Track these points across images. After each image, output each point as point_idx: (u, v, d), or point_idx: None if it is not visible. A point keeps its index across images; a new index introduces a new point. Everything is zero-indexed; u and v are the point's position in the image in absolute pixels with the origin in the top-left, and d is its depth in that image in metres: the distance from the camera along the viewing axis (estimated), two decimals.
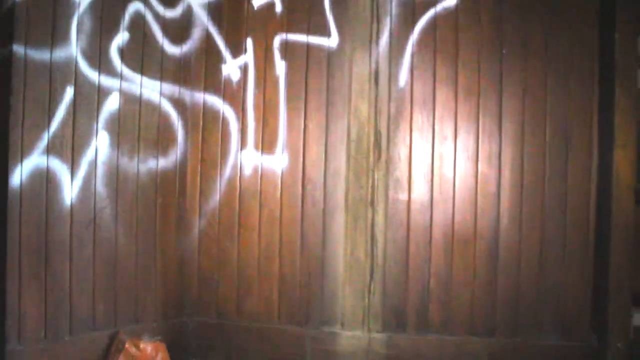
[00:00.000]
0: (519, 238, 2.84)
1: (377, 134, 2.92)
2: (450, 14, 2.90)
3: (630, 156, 2.62)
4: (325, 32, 2.96)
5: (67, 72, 2.55)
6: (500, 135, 2.87)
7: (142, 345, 2.69)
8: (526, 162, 2.85)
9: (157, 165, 2.90)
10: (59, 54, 2.52)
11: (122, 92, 2.75)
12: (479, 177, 2.87)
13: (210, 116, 3.01)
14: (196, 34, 3.01)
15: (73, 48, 2.57)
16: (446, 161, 2.89)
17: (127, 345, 2.66)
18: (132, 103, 2.80)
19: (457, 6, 2.89)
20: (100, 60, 2.67)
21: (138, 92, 2.82)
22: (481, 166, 2.87)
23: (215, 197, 2.99)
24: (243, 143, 2.99)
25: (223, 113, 3.00)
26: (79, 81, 2.60)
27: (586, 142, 2.81)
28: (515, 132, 2.86)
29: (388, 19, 2.93)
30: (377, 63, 2.93)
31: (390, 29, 2.93)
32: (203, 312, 2.99)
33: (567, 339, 2.80)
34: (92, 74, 2.64)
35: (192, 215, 3.00)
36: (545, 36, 2.84)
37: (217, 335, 2.96)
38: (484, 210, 2.86)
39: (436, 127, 2.90)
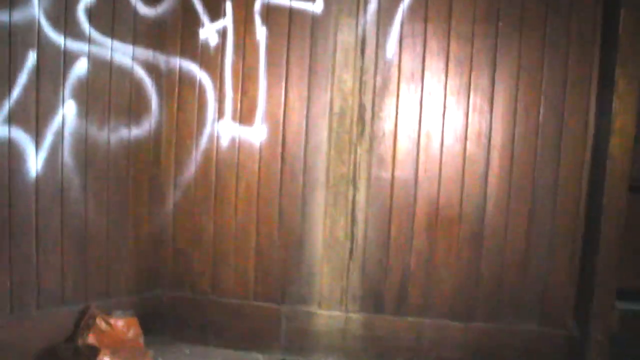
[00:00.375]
0: (505, 221, 2.72)
1: (362, 107, 2.76)
2: None
3: (626, 143, 2.45)
4: None
5: (29, 35, 2.39)
6: (491, 113, 2.70)
7: (113, 321, 2.63)
8: (517, 143, 2.70)
9: (130, 134, 2.76)
10: (19, 15, 2.35)
11: (90, 56, 2.59)
12: (466, 156, 2.73)
13: (186, 83, 2.84)
14: None
15: (35, 9, 2.39)
16: (433, 139, 2.74)
17: (97, 321, 2.59)
18: (102, 68, 2.64)
19: None
20: (66, 23, 2.50)
21: (108, 57, 2.65)
22: (469, 145, 2.72)
23: (191, 169, 2.87)
24: (220, 113, 2.83)
25: (200, 80, 2.83)
26: (42, 45, 2.43)
27: (581, 125, 2.65)
28: (507, 111, 2.69)
29: None
30: (364, 31, 2.74)
31: None
32: (177, 286, 2.91)
33: (548, 327, 2.72)
34: (56, 38, 2.47)
35: (166, 187, 2.88)
36: (545, 10, 2.62)
37: (192, 310, 2.90)
38: (471, 192, 2.73)
39: (424, 102, 2.74)
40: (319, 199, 2.80)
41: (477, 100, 2.71)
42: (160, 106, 2.84)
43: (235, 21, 2.80)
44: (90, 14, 2.56)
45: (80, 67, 2.56)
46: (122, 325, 2.66)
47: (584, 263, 2.67)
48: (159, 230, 2.89)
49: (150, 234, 2.88)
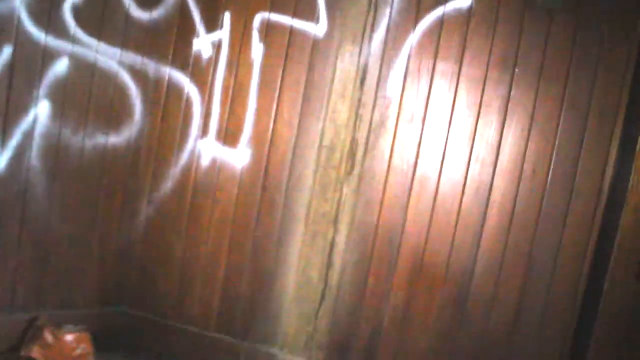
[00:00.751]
0: (495, 286, 2.46)
1: (354, 143, 2.54)
2: (460, 17, 2.44)
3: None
4: (313, 17, 2.55)
5: (6, 27, 2.26)
6: (494, 166, 2.45)
7: (61, 334, 2.49)
8: (519, 203, 2.44)
9: (107, 142, 2.61)
10: None
11: (72, 57, 2.45)
12: (461, 211, 2.48)
13: (173, 94, 2.68)
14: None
15: (16, 2, 2.26)
16: (427, 187, 2.50)
17: (44, 333, 2.46)
18: (84, 71, 2.49)
19: (471, 8, 2.43)
20: (49, 19, 2.36)
21: (92, 59, 2.50)
22: (466, 199, 2.47)
23: (167, 185, 2.70)
24: (204, 130, 2.66)
25: (188, 93, 2.66)
26: (20, 40, 2.30)
27: (594, 192, 2.37)
28: (513, 166, 2.43)
29: (388, 10, 2.49)
30: (366, 61, 2.52)
31: (389, 23, 2.50)
32: (139, 305, 2.75)
33: None
34: (37, 34, 2.34)
35: (140, 200, 2.72)
36: (569, 61, 2.36)
37: (151, 332, 2.73)
38: (460, 250, 2.49)
39: (422, 146, 2.50)
40: (296, 236, 2.60)
41: (481, 151, 2.46)
42: (144, 115, 2.68)
43: (232, 35, 2.62)
44: (77, 12, 2.42)
45: (60, 67, 2.42)
46: (72, 340, 2.51)
47: (577, 349, 2.38)
48: (127, 245, 2.74)
49: (117, 247, 2.73)
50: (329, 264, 2.57)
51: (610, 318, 2.20)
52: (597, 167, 2.35)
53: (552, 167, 2.40)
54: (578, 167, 2.38)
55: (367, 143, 2.53)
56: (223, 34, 2.62)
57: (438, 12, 2.46)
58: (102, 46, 2.52)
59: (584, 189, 2.38)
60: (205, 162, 2.66)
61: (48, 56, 2.39)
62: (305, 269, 2.59)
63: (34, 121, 2.40)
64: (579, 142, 2.38)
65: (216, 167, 2.65)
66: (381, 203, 2.53)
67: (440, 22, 2.46)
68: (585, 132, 2.37)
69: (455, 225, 2.48)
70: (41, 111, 2.41)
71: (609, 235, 2.27)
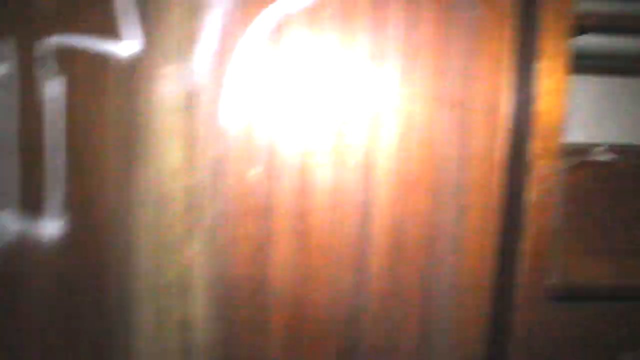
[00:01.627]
0: (389, 332, 1.96)
1: (193, 189, 1.97)
2: (308, 10, 1.91)
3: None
4: (120, 34, 1.96)
5: None
6: (367, 183, 1.94)
7: None
8: (402, 222, 1.94)
9: None
10: None
11: None
12: (337, 244, 1.96)
13: None
14: None
15: None
16: (293, 226, 1.97)
17: None
18: None
19: None
20: None
21: None
22: (341, 230, 1.96)
23: None
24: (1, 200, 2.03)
25: None
26: None
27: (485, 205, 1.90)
28: (386, 181, 1.93)
29: (212, 13, 1.94)
30: (191, 83, 1.95)
31: (215, 29, 1.94)
32: None
33: None
34: None
35: None
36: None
37: None
38: (344, 292, 1.97)
39: (279, 179, 1.96)
40: (138, 319, 2.00)
41: (347, 167, 1.95)
42: None
43: (20, 69, 1.99)
44: None
45: None
46: None
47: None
48: None
49: None
50: (186, 348, 2.00)
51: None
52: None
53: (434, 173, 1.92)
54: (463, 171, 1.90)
55: (212, 187, 1.97)
56: (8, 69, 2.00)
57: (277, 5, 1.92)
58: None
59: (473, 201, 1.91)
60: (11, 240, 2.03)
61: None
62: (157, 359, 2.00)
63: None
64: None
65: (20, 246, 2.02)
66: (237, 257, 1.97)
67: (285, 19, 1.92)
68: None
69: (337, 264, 1.96)
70: None
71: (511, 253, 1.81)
